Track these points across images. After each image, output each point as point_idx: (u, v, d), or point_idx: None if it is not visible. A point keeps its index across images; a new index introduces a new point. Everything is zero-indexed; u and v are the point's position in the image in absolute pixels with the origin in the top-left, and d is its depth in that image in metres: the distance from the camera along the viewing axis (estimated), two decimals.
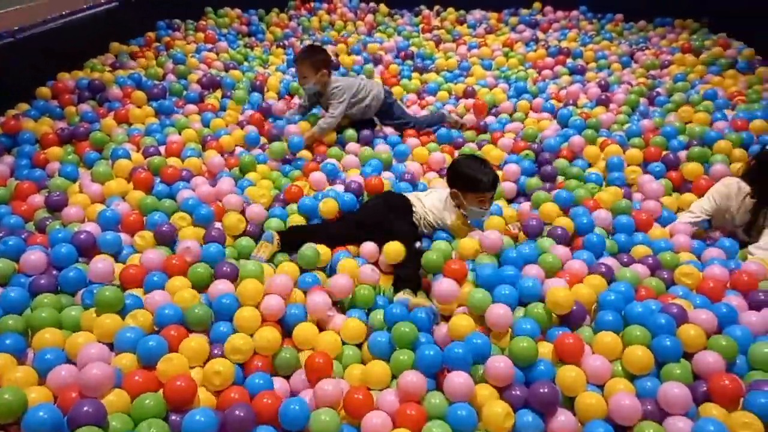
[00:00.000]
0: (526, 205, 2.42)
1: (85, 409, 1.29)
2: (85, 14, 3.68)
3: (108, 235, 1.97)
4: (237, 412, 1.35)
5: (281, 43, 4.43)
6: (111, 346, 1.55)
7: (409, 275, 1.95)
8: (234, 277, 1.83)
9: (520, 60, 4.07)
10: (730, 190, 2.26)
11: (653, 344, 1.58)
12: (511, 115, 3.32)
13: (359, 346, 1.71)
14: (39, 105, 3.00)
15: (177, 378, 1.41)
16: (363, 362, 1.67)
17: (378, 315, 1.75)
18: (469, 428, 1.40)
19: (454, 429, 1.38)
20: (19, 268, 1.83)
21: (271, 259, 2.01)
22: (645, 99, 3.36)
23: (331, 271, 1.99)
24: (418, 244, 2.03)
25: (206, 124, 2.95)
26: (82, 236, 1.93)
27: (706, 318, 1.64)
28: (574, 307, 1.70)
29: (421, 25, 4.84)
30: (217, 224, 2.15)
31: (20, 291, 1.70)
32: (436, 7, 5.11)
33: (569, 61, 4.00)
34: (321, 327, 1.73)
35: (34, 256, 1.82)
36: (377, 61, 4.07)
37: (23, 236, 1.97)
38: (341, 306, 1.85)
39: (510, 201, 2.57)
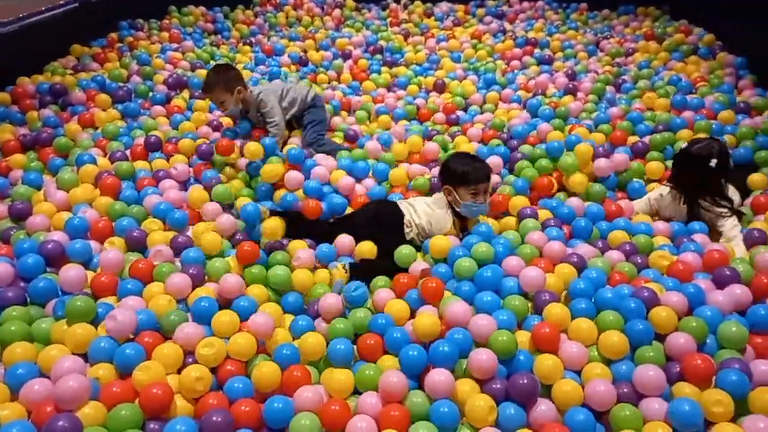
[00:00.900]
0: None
1: (61, 423, 1.26)
2: (43, 16, 3.57)
3: (77, 243, 1.91)
4: (215, 418, 1.34)
5: (248, 41, 4.38)
6: (84, 357, 1.52)
7: (369, 266, 2.00)
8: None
9: (488, 51, 4.09)
10: (664, 198, 2.36)
11: (626, 328, 1.61)
12: (481, 106, 3.35)
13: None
14: None
15: (153, 386, 1.39)
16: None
17: (339, 323, 1.71)
18: (452, 425, 1.41)
19: (437, 426, 1.38)
20: None
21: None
22: (611, 87, 3.41)
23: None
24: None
25: (175, 126, 2.90)
26: (49, 246, 1.87)
27: (677, 300, 1.67)
28: (547, 296, 1.74)
29: (388, 19, 4.84)
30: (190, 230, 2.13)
31: None
32: (404, 0, 5.11)
33: (536, 51, 4.04)
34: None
35: (0, 268, 1.77)
36: (346, 56, 4.05)
37: None
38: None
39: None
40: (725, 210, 2.22)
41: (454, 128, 3.13)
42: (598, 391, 1.46)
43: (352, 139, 3.01)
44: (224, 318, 1.63)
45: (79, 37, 3.78)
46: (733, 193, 2.31)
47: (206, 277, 1.88)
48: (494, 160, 2.63)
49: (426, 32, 4.52)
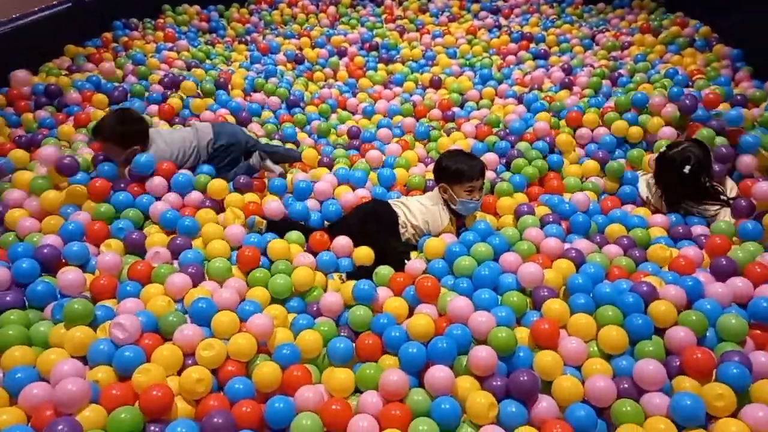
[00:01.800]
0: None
1: (60, 427, 1.26)
2: (36, 17, 3.55)
3: (74, 246, 1.90)
4: (216, 419, 1.34)
5: (243, 39, 4.37)
6: (84, 360, 1.52)
7: (366, 274, 1.95)
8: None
9: (484, 47, 4.08)
10: (651, 186, 2.37)
11: (625, 323, 1.61)
12: (477, 102, 3.34)
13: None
14: None
15: (153, 388, 1.39)
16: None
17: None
18: (454, 421, 1.41)
19: (439, 424, 1.38)
20: None
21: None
22: (608, 81, 3.41)
23: None
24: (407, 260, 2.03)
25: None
26: (45, 250, 1.85)
27: (675, 294, 1.67)
28: (545, 292, 1.73)
29: (384, 16, 4.82)
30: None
31: None
32: None
33: (532, 46, 4.03)
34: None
35: None
36: (342, 53, 4.04)
37: None
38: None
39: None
40: (713, 209, 2.21)
41: (450, 125, 3.13)
42: (599, 386, 1.46)
43: (354, 135, 3.03)
44: (224, 319, 1.62)
45: (73, 37, 3.76)
46: (732, 186, 2.30)
47: (206, 277, 1.88)
48: (489, 157, 2.63)
49: (421, 28, 4.50)
